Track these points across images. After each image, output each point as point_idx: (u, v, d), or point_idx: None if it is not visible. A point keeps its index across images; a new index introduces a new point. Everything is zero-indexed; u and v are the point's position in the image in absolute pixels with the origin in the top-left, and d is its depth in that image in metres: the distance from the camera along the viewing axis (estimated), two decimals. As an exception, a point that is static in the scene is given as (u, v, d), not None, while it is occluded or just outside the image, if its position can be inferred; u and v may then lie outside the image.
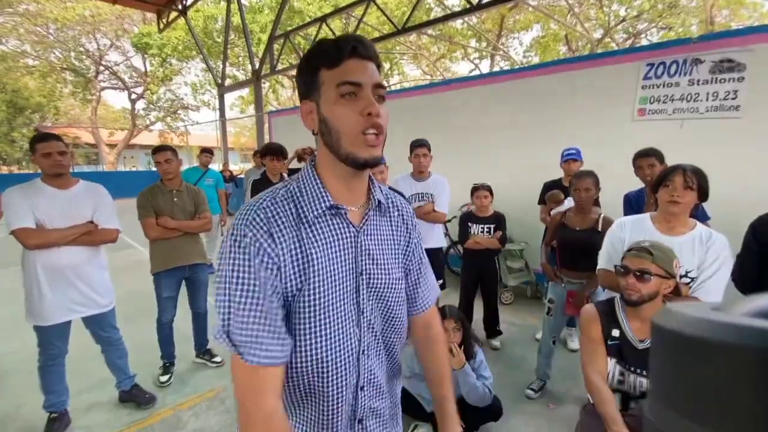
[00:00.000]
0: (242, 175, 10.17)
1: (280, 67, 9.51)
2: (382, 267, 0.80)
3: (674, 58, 3.40)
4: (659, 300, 1.45)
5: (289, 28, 12.15)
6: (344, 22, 14.05)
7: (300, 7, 14.38)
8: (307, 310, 0.71)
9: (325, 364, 0.74)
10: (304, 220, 0.71)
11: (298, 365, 0.73)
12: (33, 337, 2.15)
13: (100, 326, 2.28)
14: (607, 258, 1.78)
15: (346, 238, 0.75)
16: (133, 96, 21.38)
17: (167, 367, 2.74)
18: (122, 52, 20.55)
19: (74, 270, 2.09)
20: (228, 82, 13.65)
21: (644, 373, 1.44)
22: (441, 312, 2.16)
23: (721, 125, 3.21)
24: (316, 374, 0.74)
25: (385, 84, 0.71)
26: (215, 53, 15.67)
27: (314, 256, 0.71)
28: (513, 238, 4.26)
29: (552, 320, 2.48)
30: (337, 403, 0.76)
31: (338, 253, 0.74)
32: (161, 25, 11.46)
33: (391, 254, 0.84)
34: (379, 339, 0.83)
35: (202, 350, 2.96)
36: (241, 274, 0.66)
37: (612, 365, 1.50)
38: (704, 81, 3.27)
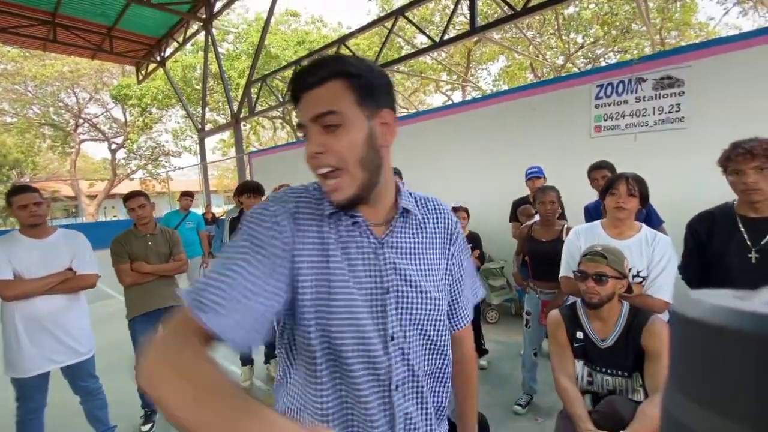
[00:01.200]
0: (224, 217, 10.20)
1: (258, 108, 9.79)
2: (415, 285, 0.70)
3: (620, 78, 3.70)
4: (616, 300, 1.54)
5: (266, 72, 12.61)
6: (319, 63, 14.66)
7: (276, 52, 14.97)
8: (320, 314, 0.64)
9: (349, 391, 0.66)
10: (322, 215, 0.68)
11: (317, 384, 0.66)
12: (8, 393, 2.10)
13: (79, 376, 2.24)
14: (566, 266, 1.88)
15: (367, 249, 0.68)
16: (113, 146, 21.47)
17: (149, 415, 2.66)
18: (101, 104, 20.83)
19: (53, 319, 2.08)
20: (208, 126, 13.89)
21: (609, 371, 1.51)
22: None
23: (669, 136, 3.46)
24: (343, 403, 0.67)
25: (335, 109, 0.62)
26: (194, 100, 16.02)
27: (331, 256, 0.65)
28: (492, 257, 4.37)
29: (530, 332, 2.54)
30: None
31: (359, 263, 0.66)
32: (140, 77, 11.76)
33: (428, 270, 0.73)
34: (418, 374, 0.69)
35: (186, 395, 2.89)
36: (247, 238, 0.62)
37: (580, 367, 1.57)
38: (649, 97, 3.56)
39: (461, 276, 0.81)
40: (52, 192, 21.13)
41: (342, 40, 7.34)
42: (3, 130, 18.96)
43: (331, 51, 7.84)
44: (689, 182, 3.22)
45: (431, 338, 0.71)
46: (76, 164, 21.48)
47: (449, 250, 0.78)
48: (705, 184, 3.34)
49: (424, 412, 0.71)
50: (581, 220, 2.77)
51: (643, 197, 1.78)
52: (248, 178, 9.45)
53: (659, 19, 13.95)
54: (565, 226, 2.46)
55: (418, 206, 0.76)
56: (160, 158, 21.82)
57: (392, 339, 0.66)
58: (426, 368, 0.71)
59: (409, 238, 0.72)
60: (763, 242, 1.49)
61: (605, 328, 1.54)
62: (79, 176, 21.95)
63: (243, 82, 13.14)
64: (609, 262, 1.51)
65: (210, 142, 24.89)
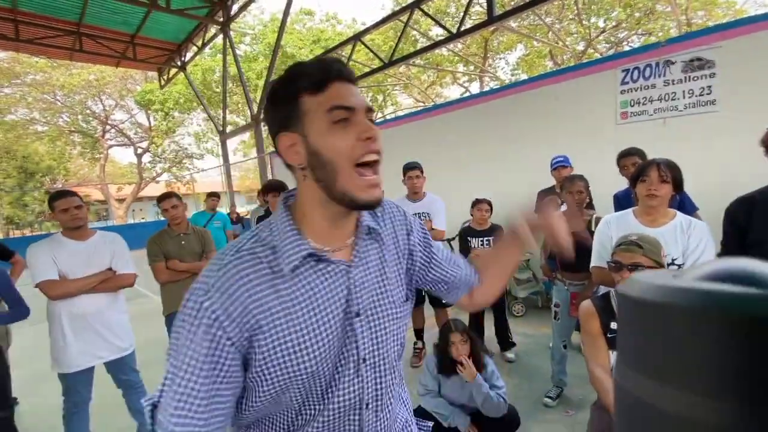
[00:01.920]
0: (248, 216, 10.43)
1: (277, 109, 9.93)
2: (383, 296, 0.71)
3: (647, 62, 3.57)
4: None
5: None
6: (335, 61, 14.74)
7: (292, 52, 15.13)
8: (289, 374, 0.62)
9: (319, 416, 0.66)
10: (279, 274, 0.62)
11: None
12: (53, 391, 2.22)
13: (122, 370, 2.35)
14: (597, 256, 1.85)
15: (335, 281, 0.66)
16: (139, 150, 22.24)
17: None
18: (127, 111, 21.59)
19: (96, 316, 2.19)
20: (229, 128, 14.19)
21: (645, 361, 1.48)
22: (446, 326, 2.21)
23: (700, 120, 3.32)
24: None
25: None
26: (215, 102, 16.39)
27: (296, 313, 0.62)
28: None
29: (559, 324, 2.50)
30: None
31: (327, 302, 0.64)
32: (162, 82, 12.11)
33: (393, 274, 0.74)
34: (387, 385, 0.72)
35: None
36: (191, 353, 0.59)
37: (614, 358, 1.54)
38: (679, 80, 3.42)
39: (432, 248, 0.84)
40: (84, 196, 22.10)
41: (357, 36, 7.35)
42: (35, 138, 19.91)
43: (347, 48, 7.86)
44: (722, 167, 3.08)
45: (395, 342, 0.73)
46: (105, 169, 22.36)
47: (408, 247, 0.79)
48: (738, 168, 3.20)
49: (387, 425, 0.73)
50: (609, 209, 2.70)
51: (677, 183, 1.72)
52: (270, 177, 9.62)
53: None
54: (594, 215, 2.41)
55: (375, 215, 0.75)
56: (183, 161, 22.47)
57: (364, 361, 0.68)
58: (392, 383, 0.73)
59: (373, 253, 0.72)
60: (810, 227, 1.43)
61: (640, 318, 1.51)
62: (108, 181, 22.84)
63: (261, 83, 13.36)
64: (645, 251, 1.48)
65: (231, 143, 25.42)
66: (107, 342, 2.25)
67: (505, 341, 3.26)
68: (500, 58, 18.87)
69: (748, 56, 3.09)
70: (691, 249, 1.62)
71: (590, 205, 2.71)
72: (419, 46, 15.01)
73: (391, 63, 6.86)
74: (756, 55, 3.05)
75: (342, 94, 0.61)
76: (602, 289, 2.29)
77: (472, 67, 17.68)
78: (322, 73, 0.61)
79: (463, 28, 5.77)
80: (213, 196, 5.18)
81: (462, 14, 5.74)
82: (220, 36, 9.32)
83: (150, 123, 21.41)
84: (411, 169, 3.06)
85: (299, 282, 0.63)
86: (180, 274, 2.68)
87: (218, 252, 0.65)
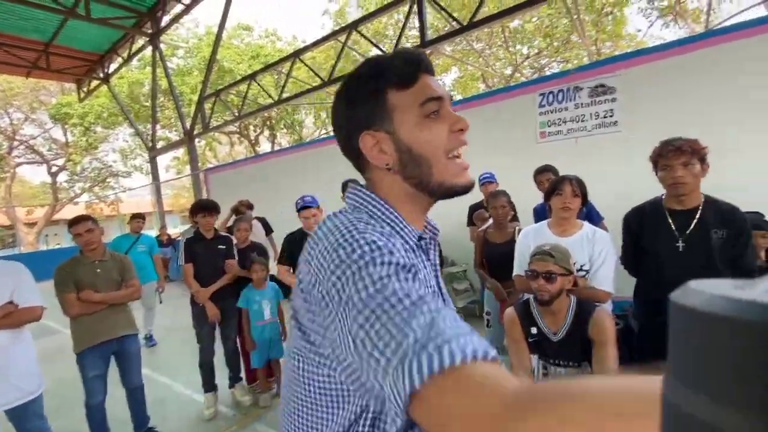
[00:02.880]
0: (181, 238, 9.77)
1: (214, 124, 9.53)
2: (449, 300, 0.70)
3: (560, 87, 3.98)
4: (564, 294, 1.65)
5: (220, 87, 12.31)
6: (275, 77, 14.54)
7: (230, 66, 14.68)
8: None
9: None
10: (413, 243, 0.59)
11: None
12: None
13: (26, 418, 2.05)
14: (518, 265, 1.99)
15: (431, 273, 0.64)
16: (54, 169, 19.98)
17: (101, 456, 2.48)
18: (39, 125, 19.37)
19: (-7, 358, 1.91)
20: (160, 144, 13.31)
21: (561, 362, 1.61)
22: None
23: (606, 139, 3.75)
24: None
25: None
26: (144, 117, 15.32)
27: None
28: (454, 260, 4.48)
29: (491, 331, 2.63)
30: None
31: (432, 292, 0.62)
32: (81, 95, 11.11)
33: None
34: None
35: (144, 430, 2.72)
36: (406, 282, 0.45)
37: (535, 361, 1.65)
38: (586, 104, 3.84)
39: None
40: (-18, 222, 19.29)
41: (297, 54, 7.36)
42: None
43: (287, 65, 7.81)
44: (625, 181, 3.49)
45: None
46: (11, 190, 19.76)
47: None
48: (639, 181, 3.63)
49: None
50: (532, 221, 2.92)
51: (584, 197, 1.92)
52: (205, 195, 9.13)
53: (594, 31, 15.06)
54: (517, 227, 2.59)
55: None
56: (107, 180, 20.56)
57: None
58: None
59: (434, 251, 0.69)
60: (688, 232, 1.66)
61: (556, 321, 1.64)
62: (16, 203, 20.20)
63: (196, 97, 12.77)
64: (557, 260, 1.61)
65: (163, 160, 23.79)
66: (9, 386, 1.96)
67: (446, 352, 3.34)
68: (438, 79, 19.85)
69: (643, 83, 3.56)
70: (595, 255, 1.80)
71: (515, 218, 2.92)
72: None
73: (331, 81, 6.93)
74: (650, 82, 3.52)
75: (431, 86, 0.59)
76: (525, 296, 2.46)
77: (412, 87, 18.38)
78: (411, 66, 0.58)
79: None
80: (137, 217, 4.80)
81: (398, 35, 5.99)
82: (149, 48, 8.81)
83: (67, 139, 19.39)
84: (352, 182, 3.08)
85: (418, 262, 0.58)
86: (94, 305, 2.43)
87: (337, 224, 0.54)
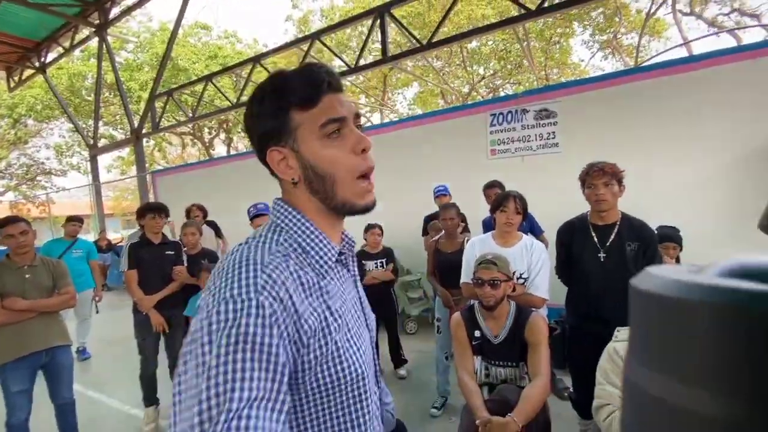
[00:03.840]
0: (121, 243, 9.11)
1: (165, 124, 9.08)
2: (364, 314, 0.73)
3: (509, 109, 4.27)
4: (505, 300, 1.78)
5: (174, 86, 11.78)
6: (234, 80, 14.16)
7: (185, 65, 14.10)
8: (339, 373, 0.58)
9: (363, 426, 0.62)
10: (320, 272, 0.61)
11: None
12: None
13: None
14: (466, 273, 2.12)
15: (350, 284, 0.68)
16: (-27, 163, 17.91)
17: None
18: (-44, 114, 17.32)
19: None
20: (102, 142, 12.42)
21: (501, 363, 1.74)
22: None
23: (548, 158, 4.07)
24: None
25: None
26: (85, 112, 14.24)
27: (338, 312, 0.60)
28: (409, 269, 4.61)
29: (441, 337, 2.75)
30: None
31: (352, 303, 0.65)
32: (12, 84, 10.15)
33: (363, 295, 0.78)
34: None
35: (73, 449, 2.52)
36: (246, 356, 0.46)
37: (478, 362, 1.77)
38: (532, 126, 4.16)
39: None
40: None
41: (258, 58, 7.26)
42: None
43: (247, 69, 7.67)
44: (564, 197, 3.78)
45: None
46: None
47: None
48: (574, 198, 4.01)
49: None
50: (482, 232, 3.11)
51: (525, 212, 2.10)
52: (152, 199, 8.63)
53: (543, 58, 16.23)
54: (466, 238, 2.75)
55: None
56: (38, 178, 18.75)
57: (375, 362, 0.71)
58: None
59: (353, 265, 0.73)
60: (608, 244, 1.87)
61: (497, 325, 1.77)
62: None
63: (146, 95, 12.11)
64: (499, 268, 1.75)
65: (104, 159, 22.14)
66: None
67: (398, 359, 3.42)
68: (399, 93, 20.36)
69: (580, 109, 3.92)
70: (533, 264, 1.97)
71: (466, 229, 3.08)
72: (322, 73, 15.39)
73: (291, 88, 6.89)
74: (587, 108, 3.88)
75: (333, 107, 0.59)
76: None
77: (372, 99, 18.67)
78: (312, 88, 0.59)
79: (361, 63, 6.15)
80: (74, 220, 4.45)
81: (360, 50, 6.12)
82: (96, 39, 8.27)
83: (-9, 131, 17.51)
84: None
85: (332, 281, 0.62)
86: (21, 314, 2.23)
87: (240, 253, 0.56)
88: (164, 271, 2.93)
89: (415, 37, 5.28)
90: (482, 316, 1.82)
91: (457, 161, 4.57)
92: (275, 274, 0.53)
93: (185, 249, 3.18)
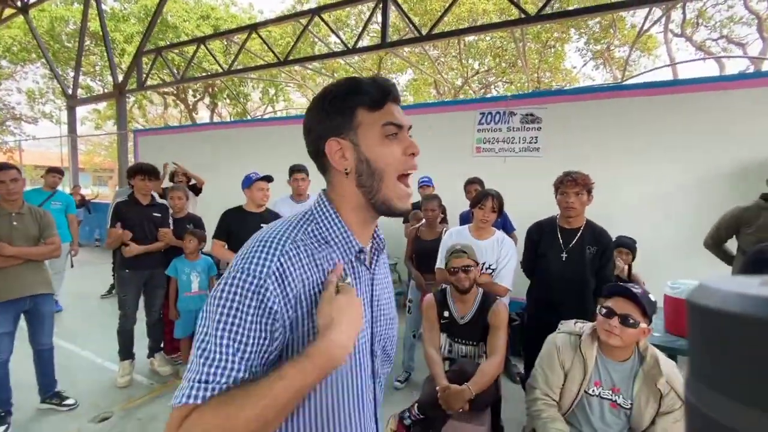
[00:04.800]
0: (95, 200, 8.88)
1: (150, 83, 8.81)
2: (386, 310, 0.77)
3: (497, 109, 4.45)
4: (474, 286, 1.98)
5: (162, 43, 11.33)
6: (225, 44, 13.72)
7: (174, 22, 13.54)
8: None
9: (344, 421, 0.67)
10: (331, 267, 0.66)
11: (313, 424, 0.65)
12: None
13: None
14: (441, 260, 2.31)
15: (365, 283, 0.72)
16: (-65, 99, 16.77)
17: (2, 417, 2.35)
18: None
19: None
20: (81, 93, 11.89)
21: (463, 341, 1.95)
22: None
23: (529, 162, 4.29)
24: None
25: None
26: (63, 59, 13.53)
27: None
28: (388, 254, 4.79)
29: (411, 317, 2.96)
30: None
31: (363, 301, 0.69)
32: (-12, 20, 9.54)
33: (390, 292, 0.82)
34: (383, 388, 0.78)
35: (49, 393, 2.61)
36: (234, 326, 0.58)
37: (444, 339, 1.97)
38: (517, 128, 4.36)
39: None
40: None
41: (255, 26, 7.12)
42: None
43: (242, 36, 7.52)
44: (541, 199, 4.01)
45: (391, 354, 0.85)
46: None
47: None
48: (549, 201, 4.27)
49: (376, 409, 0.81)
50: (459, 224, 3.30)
51: (501, 210, 2.30)
52: (131, 157, 8.44)
53: (537, 60, 16.46)
54: (445, 228, 2.94)
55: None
56: (6, 123, 17.77)
57: (375, 363, 0.75)
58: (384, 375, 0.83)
59: (380, 266, 0.78)
60: (571, 246, 2.09)
61: (465, 308, 1.97)
62: None
63: (130, 48, 11.61)
64: (469, 255, 1.95)
65: (79, 111, 21.14)
66: None
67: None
68: (393, 78, 20.25)
69: (565, 118, 4.13)
70: (502, 257, 2.18)
71: (444, 220, 3.28)
72: (317, 48, 15.12)
73: (285, 62, 6.85)
74: (570, 118, 4.10)
75: (395, 113, 0.69)
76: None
77: (366, 81, 18.50)
78: (381, 93, 0.68)
79: (359, 46, 6.16)
80: (54, 171, 4.39)
81: (359, 32, 6.12)
82: (82, -16, 7.87)
83: (-42, 67, 16.38)
84: (297, 171, 3.20)
85: (347, 280, 0.67)
86: (7, 260, 2.28)
87: (266, 235, 0.64)
88: (150, 231, 2.99)
89: (415, 27, 5.34)
90: (452, 298, 2.01)
91: (444, 155, 4.74)
92: (288, 261, 0.62)
93: (171, 213, 3.23)
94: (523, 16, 4.64)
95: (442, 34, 5.24)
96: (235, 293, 0.59)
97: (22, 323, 2.45)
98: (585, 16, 4.72)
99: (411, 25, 5.41)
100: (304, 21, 6.46)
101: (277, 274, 0.60)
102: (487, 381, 1.71)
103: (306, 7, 14.31)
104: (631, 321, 1.42)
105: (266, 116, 15.38)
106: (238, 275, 0.60)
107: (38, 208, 2.59)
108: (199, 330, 0.61)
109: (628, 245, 2.79)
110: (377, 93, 0.68)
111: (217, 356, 0.57)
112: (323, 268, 0.66)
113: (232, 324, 0.58)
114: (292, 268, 0.62)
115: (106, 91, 13.39)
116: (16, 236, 2.34)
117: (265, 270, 0.60)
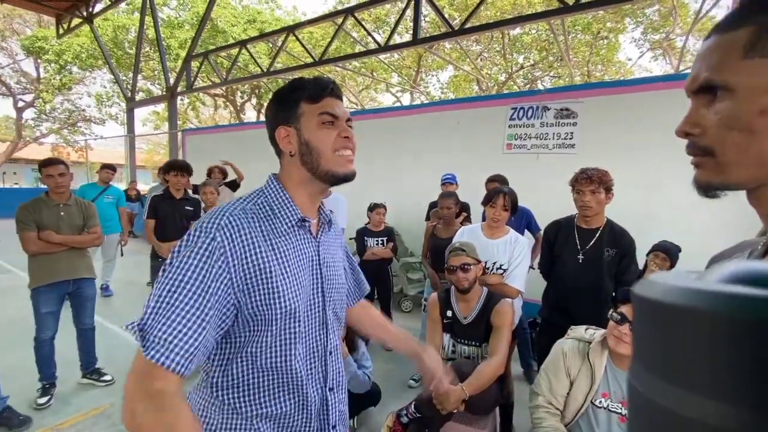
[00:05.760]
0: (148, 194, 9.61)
1: (199, 85, 9.38)
2: (335, 272, 0.90)
3: (530, 104, 4.25)
4: (477, 285, 1.91)
5: (212, 47, 12.00)
6: (270, 47, 14.29)
7: (223, 27, 14.29)
8: (275, 316, 0.74)
9: (295, 367, 0.78)
10: (276, 232, 0.77)
11: (268, 370, 0.77)
12: None
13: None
14: (450, 258, 2.25)
15: (310, 248, 0.83)
16: (21, 104, 18.91)
17: (46, 388, 2.60)
18: (9, 54, 18.22)
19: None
20: (140, 95, 12.90)
21: (467, 342, 1.89)
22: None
23: (563, 159, 4.06)
24: (286, 378, 0.78)
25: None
26: (125, 65, 14.73)
27: (285, 265, 0.76)
28: (413, 252, 4.76)
29: (426, 316, 2.91)
30: (308, 409, 0.81)
31: (305, 262, 0.81)
32: (61, 30, 10.61)
33: (339, 261, 0.94)
34: (339, 339, 0.90)
35: (90, 369, 2.86)
36: (191, 275, 0.67)
37: (447, 339, 1.92)
38: (551, 124, 4.14)
39: (351, 258, 1.10)
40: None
41: (293, 28, 7.34)
42: None
43: (281, 37, 7.79)
44: (571, 198, 3.82)
45: (343, 312, 0.96)
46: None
47: (341, 243, 1.01)
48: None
49: (341, 369, 0.92)
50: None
51: (514, 208, 2.20)
52: (180, 156, 9.02)
53: (587, 52, 15.52)
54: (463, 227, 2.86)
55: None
56: (78, 124, 19.67)
57: (327, 316, 0.86)
58: (337, 339, 0.92)
59: (329, 236, 0.91)
60: (588, 247, 1.96)
61: (468, 307, 1.91)
62: (-26, 133, 19.06)
63: (184, 53, 12.41)
64: (468, 252, 1.88)
65: (141, 113, 22.97)
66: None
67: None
68: (433, 75, 20.00)
69: (601, 112, 3.87)
70: (514, 257, 2.09)
71: (467, 219, 3.19)
72: (357, 48, 15.30)
73: (320, 62, 6.99)
74: (607, 113, 3.83)
75: (331, 106, 0.81)
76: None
77: (405, 79, 18.45)
78: (320, 89, 0.81)
79: (391, 43, 6.15)
80: (108, 168, 4.79)
81: (391, 30, 6.11)
82: (140, -5, 8.51)
83: (39, 74, 18.36)
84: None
85: (289, 240, 0.79)
86: (54, 246, 2.52)
87: (221, 206, 0.77)
88: (181, 223, 3.19)
89: (447, 21, 5.24)
90: (456, 298, 1.96)
91: (473, 151, 4.61)
92: (234, 221, 0.74)
93: (203, 207, 3.42)
94: (561, 5, 4.40)
95: (474, 29, 5.10)
96: (187, 246, 0.70)
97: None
98: (626, 2, 4.36)
99: (443, 20, 5.31)
100: (340, 21, 6.56)
101: (225, 229, 0.71)
102: (483, 383, 1.64)
103: (343, 7, 14.50)
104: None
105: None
106: (192, 232, 0.72)
107: (83, 200, 2.83)
108: (159, 279, 0.69)
109: (666, 249, 2.54)
110: (316, 89, 0.80)
111: (177, 312, 0.65)
112: (270, 239, 0.76)
113: (190, 277, 0.67)
114: (240, 227, 0.73)
115: (161, 93, 14.42)
116: (62, 225, 2.59)
117: (214, 226, 0.71)
